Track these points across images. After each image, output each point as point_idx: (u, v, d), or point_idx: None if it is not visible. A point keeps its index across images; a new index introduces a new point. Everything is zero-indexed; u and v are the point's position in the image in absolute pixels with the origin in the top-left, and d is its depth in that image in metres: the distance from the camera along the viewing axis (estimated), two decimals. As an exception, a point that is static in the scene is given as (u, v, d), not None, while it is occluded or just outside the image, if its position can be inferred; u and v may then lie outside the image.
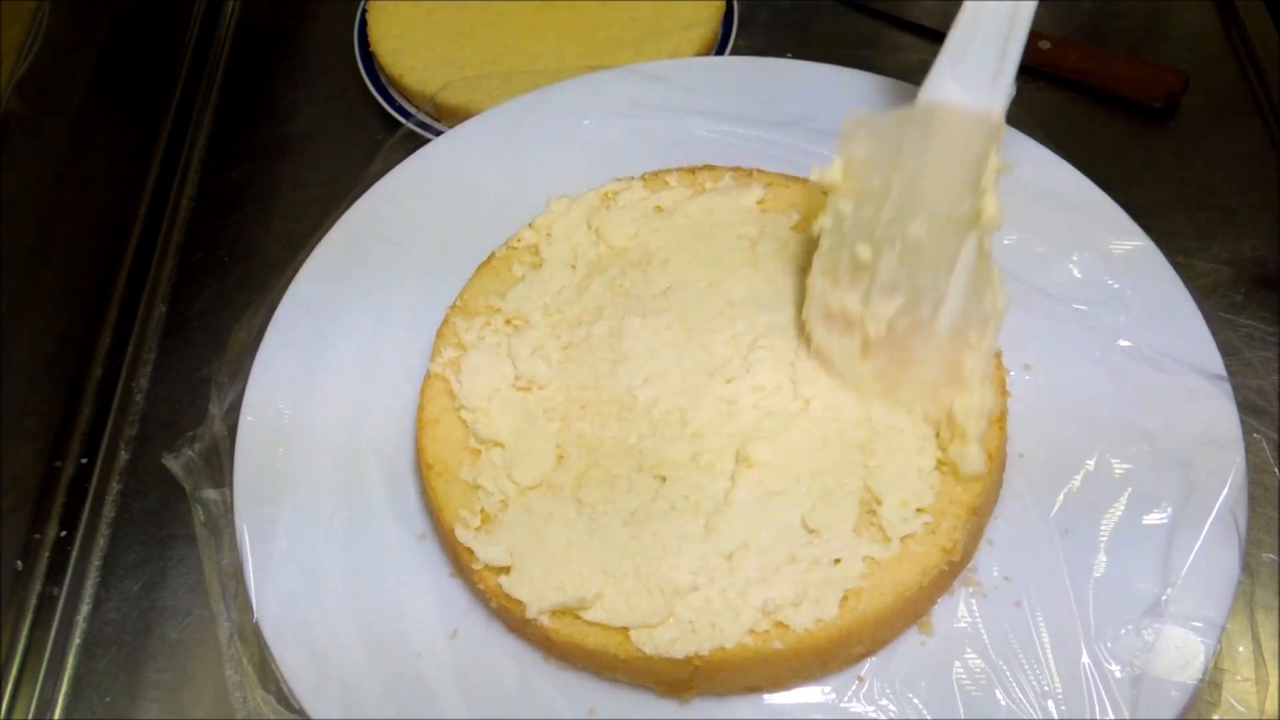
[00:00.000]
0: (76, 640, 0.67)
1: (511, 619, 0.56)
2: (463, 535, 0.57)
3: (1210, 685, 0.55)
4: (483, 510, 0.58)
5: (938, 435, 0.58)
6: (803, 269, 0.64)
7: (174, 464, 0.65)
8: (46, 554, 0.70)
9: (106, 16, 0.90)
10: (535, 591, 0.54)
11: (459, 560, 0.58)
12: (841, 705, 0.54)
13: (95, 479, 0.73)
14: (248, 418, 0.64)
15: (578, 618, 0.54)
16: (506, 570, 0.55)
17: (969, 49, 0.60)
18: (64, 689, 0.65)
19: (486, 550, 0.56)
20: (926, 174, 0.57)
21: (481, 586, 0.56)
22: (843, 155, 0.59)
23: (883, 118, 0.59)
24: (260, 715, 0.56)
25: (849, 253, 0.59)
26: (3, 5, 0.80)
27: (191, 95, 0.95)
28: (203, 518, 0.63)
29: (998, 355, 0.61)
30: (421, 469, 0.61)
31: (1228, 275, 0.77)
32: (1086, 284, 0.67)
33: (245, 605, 0.58)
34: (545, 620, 0.54)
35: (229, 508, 0.62)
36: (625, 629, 0.53)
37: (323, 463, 0.64)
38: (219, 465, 0.64)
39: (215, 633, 0.59)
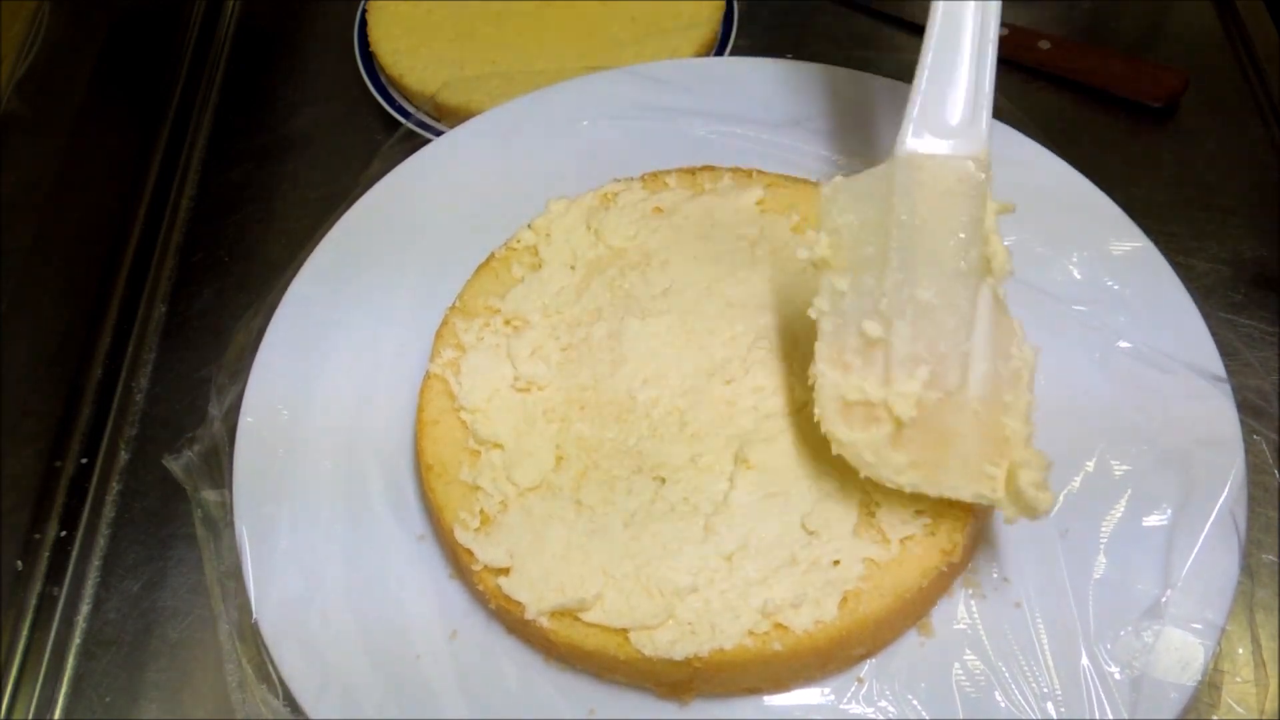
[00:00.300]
0: (76, 640, 0.67)
1: (511, 620, 0.56)
2: (462, 536, 0.57)
3: (1209, 687, 0.55)
4: (482, 511, 0.58)
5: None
6: (802, 269, 0.63)
7: (174, 465, 0.65)
8: (46, 554, 0.70)
9: (106, 16, 0.90)
10: (534, 593, 0.54)
11: (458, 561, 0.58)
12: (841, 707, 0.54)
13: (95, 479, 0.73)
14: (247, 419, 0.64)
15: (577, 619, 0.54)
16: (506, 571, 0.55)
17: (941, 92, 0.58)
18: (64, 689, 0.65)
19: (486, 551, 0.56)
20: (924, 231, 0.54)
21: (481, 588, 0.56)
22: (827, 228, 0.55)
23: (862, 180, 0.56)
24: (260, 715, 0.56)
25: (856, 333, 0.54)
26: (3, 5, 0.80)
27: (191, 95, 0.95)
28: (202, 518, 0.63)
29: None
30: (421, 470, 0.61)
31: (1228, 275, 0.77)
32: (1086, 284, 0.67)
33: (245, 606, 0.58)
34: (544, 621, 0.54)
35: (229, 508, 0.62)
36: (624, 630, 0.53)
37: (322, 464, 0.64)
38: (219, 466, 0.64)
39: (215, 633, 0.59)
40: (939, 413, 0.52)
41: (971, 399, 0.52)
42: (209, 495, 0.63)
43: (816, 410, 0.55)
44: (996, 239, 0.53)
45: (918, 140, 0.57)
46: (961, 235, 0.53)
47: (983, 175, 0.55)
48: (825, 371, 0.54)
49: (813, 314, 0.56)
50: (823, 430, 0.54)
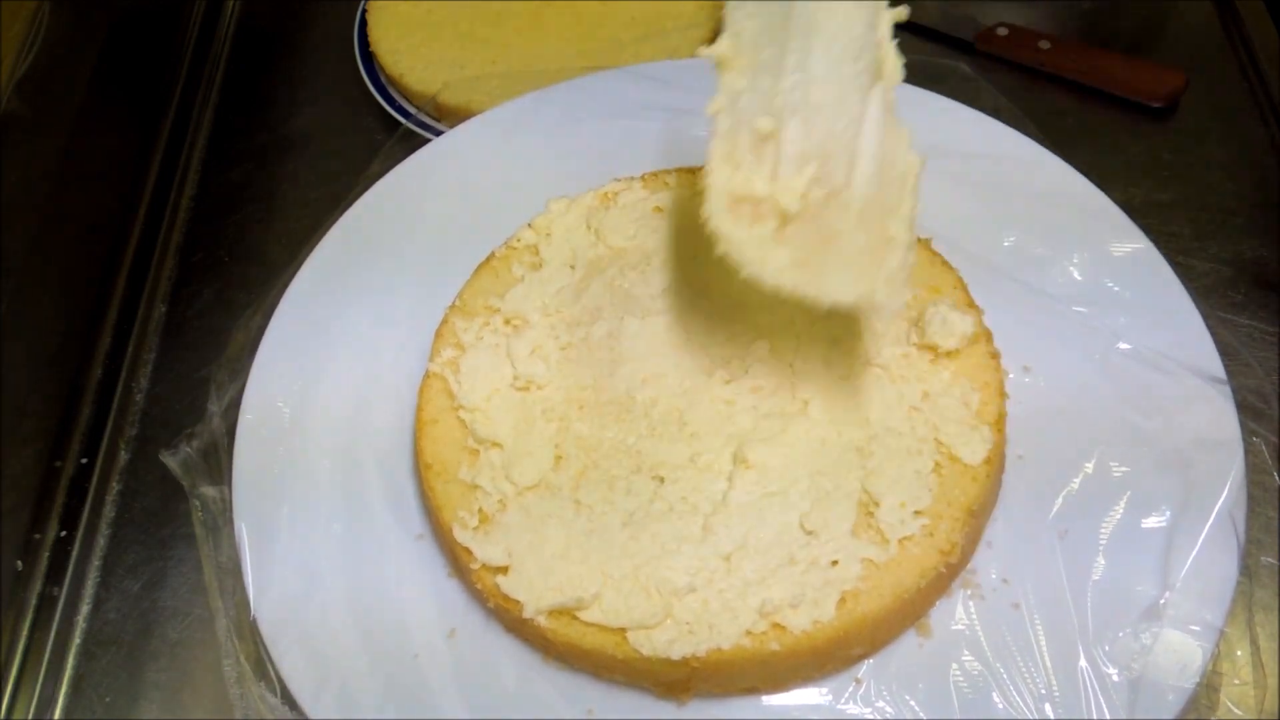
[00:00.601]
0: (76, 640, 0.67)
1: (509, 619, 0.56)
2: (461, 535, 0.57)
3: (1208, 689, 0.54)
4: (481, 510, 0.58)
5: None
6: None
7: (171, 460, 0.65)
8: (46, 554, 0.70)
9: (106, 16, 0.90)
10: (533, 592, 0.54)
11: (457, 560, 0.58)
12: (839, 707, 0.54)
13: (95, 479, 0.73)
14: (247, 416, 0.65)
15: (575, 618, 0.54)
16: (504, 570, 0.55)
17: None
18: (64, 689, 0.65)
19: (484, 550, 0.56)
20: (820, 35, 0.54)
21: (479, 586, 0.56)
22: (730, 30, 0.56)
23: None
24: (258, 714, 0.56)
25: (749, 129, 0.54)
26: (3, 5, 0.80)
27: (191, 95, 0.96)
28: (201, 514, 0.63)
29: (997, 356, 0.61)
30: (420, 469, 0.61)
31: (1228, 275, 0.77)
32: (1087, 286, 0.67)
33: (243, 602, 0.58)
34: (543, 620, 0.54)
35: (227, 505, 0.62)
36: (622, 630, 0.53)
37: (322, 462, 0.64)
38: (217, 463, 0.64)
39: (215, 632, 0.59)
40: (823, 211, 0.52)
41: (856, 198, 0.52)
42: (208, 491, 0.63)
43: (704, 207, 0.55)
44: (889, 45, 0.53)
45: None
46: (856, 41, 0.54)
47: None
48: (716, 168, 0.55)
49: (709, 111, 0.56)
50: (709, 227, 0.54)
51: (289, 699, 0.56)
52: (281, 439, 0.64)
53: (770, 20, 0.56)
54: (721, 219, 0.54)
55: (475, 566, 0.56)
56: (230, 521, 0.61)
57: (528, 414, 0.61)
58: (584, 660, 0.55)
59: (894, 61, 0.53)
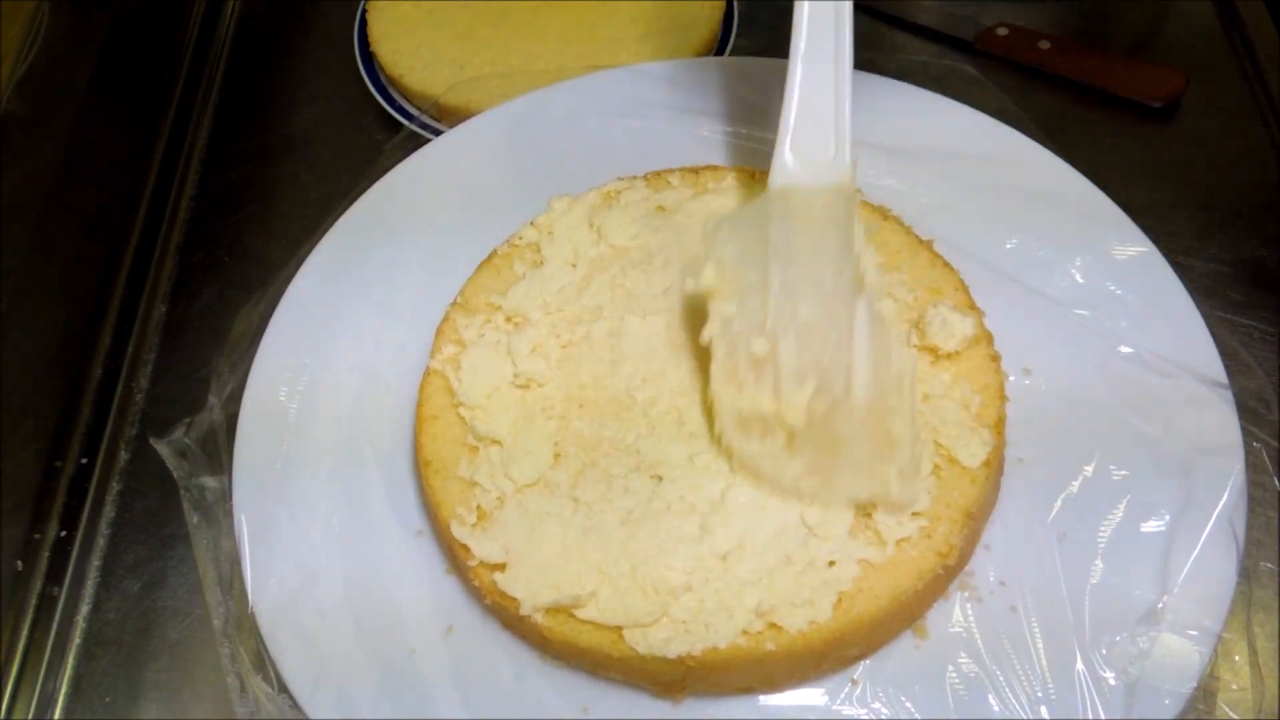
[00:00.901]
0: (76, 640, 0.67)
1: (506, 616, 0.56)
2: (458, 532, 0.57)
3: (1205, 693, 0.54)
4: (479, 507, 0.58)
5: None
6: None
7: (165, 448, 0.64)
8: (46, 554, 0.70)
9: (106, 16, 0.90)
10: (530, 589, 0.54)
11: (455, 557, 0.58)
12: (835, 707, 0.54)
13: (95, 479, 0.73)
14: (248, 409, 0.65)
15: (572, 616, 0.54)
16: (502, 567, 0.55)
17: (804, 128, 0.63)
18: (64, 689, 0.65)
19: (482, 547, 0.56)
20: (800, 256, 0.58)
21: (476, 583, 0.56)
22: (712, 258, 0.59)
23: (741, 214, 0.60)
24: (256, 708, 0.56)
25: (745, 353, 0.57)
26: (3, 5, 0.80)
27: (191, 95, 0.96)
28: (195, 506, 0.63)
29: (998, 359, 0.61)
30: (419, 465, 0.61)
31: (1228, 275, 0.77)
32: (1088, 289, 0.67)
33: (242, 594, 0.59)
34: (539, 618, 0.54)
35: (226, 495, 0.62)
36: (619, 628, 0.53)
37: (321, 458, 0.64)
38: (216, 453, 0.64)
39: (210, 625, 0.59)
40: (828, 420, 0.55)
41: (858, 405, 0.55)
42: (207, 482, 0.63)
43: (717, 427, 0.58)
44: (867, 258, 0.57)
45: (787, 174, 0.63)
46: (834, 258, 0.58)
47: (848, 203, 0.60)
48: (720, 391, 0.57)
49: (704, 340, 0.58)
50: (723, 446, 0.58)
51: (285, 690, 0.56)
52: (282, 432, 0.64)
53: (749, 245, 0.59)
54: (733, 436, 0.57)
55: (473, 563, 0.56)
56: (229, 513, 0.61)
57: (528, 411, 0.61)
58: (580, 658, 0.55)
59: (873, 275, 0.57)
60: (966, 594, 0.56)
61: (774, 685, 0.55)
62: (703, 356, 0.61)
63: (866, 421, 0.55)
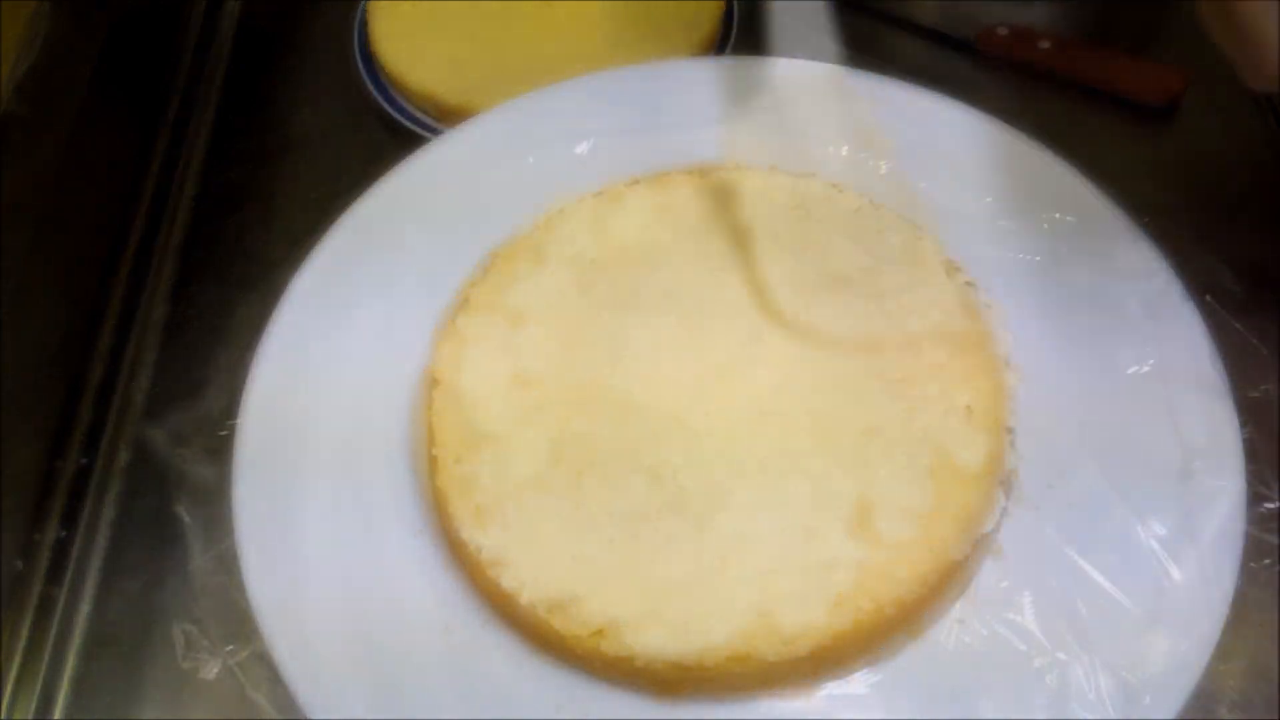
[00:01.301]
0: (76, 640, 0.67)
1: (505, 615, 0.57)
2: (458, 531, 0.57)
3: (1205, 694, 0.55)
4: (479, 506, 0.58)
5: None
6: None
7: (165, 448, 0.64)
8: (46, 554, 0.70)
9: (106, 16, 0.90)
10: (529, 588, 0.54)
11: (453, 555, 0.58)
12: (832, 709, 0.54)
13: (95, 479, 0.73)
14: (248, 408, 0.65)
15: (569, 614, 0.54)
16: (501, 566, 0.56)
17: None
18: (64, 689, 0.65)
19: (481, 546, 0.56)
20: None
21: (475, 581, 0.56)
22: None
23: None
24: (257, 712, 0.56)
25: None
26: (3, 5, 0.80)
27: (191, 95, 0.95)
28: (195, 505, 0.63)
29: (997, 361, 0.61)
30: (419, 464, 0.61)
31: (1228, 275, 0.76)
32: (1088, 290, 0.66)
33: (241, 594, 0.58)
34: (538, 617, 0.54)
35: (226, 494, 0.61)
36: (616, 627, 0.53)
37: (321, 457, 0.64)
38: (216, 453, 0.64)
39: (212, 626, 0.60)
40: None
41: None
42: (208, 481, 0.63)
43: None
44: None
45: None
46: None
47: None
48: None
49: None
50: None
51: (283, 687, 0.56)
52: (282, 432, 0.64)
53: None
54: None
55: (472, 562, 0.56)
56: (228, 512, 0.61)
57: (527, 410, 0.61)
58: (578, 657, 0.55)
59: None
60: (965, 597, 0.56)
61: (771, 686, 0.55)
62: (704, 356, 0.62)
63: None
